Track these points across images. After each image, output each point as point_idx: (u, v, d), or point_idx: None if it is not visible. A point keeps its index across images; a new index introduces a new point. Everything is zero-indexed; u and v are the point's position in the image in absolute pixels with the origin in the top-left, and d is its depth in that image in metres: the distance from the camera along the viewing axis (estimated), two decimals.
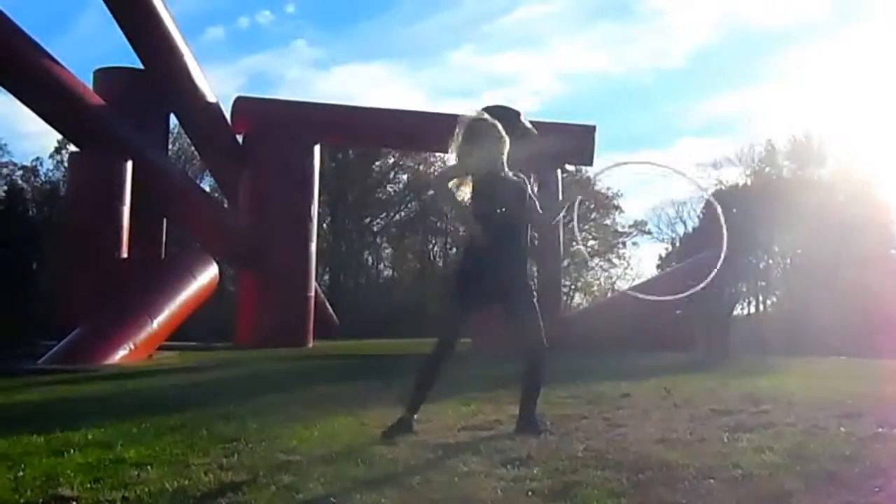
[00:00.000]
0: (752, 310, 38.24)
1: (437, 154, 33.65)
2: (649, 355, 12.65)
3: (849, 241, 29.21)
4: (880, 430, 4.88)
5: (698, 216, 38.23)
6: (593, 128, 18.20)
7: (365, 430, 5.05)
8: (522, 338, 4.98)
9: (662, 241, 41.18)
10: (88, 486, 3.55)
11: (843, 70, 52.48)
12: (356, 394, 7.10)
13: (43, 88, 13.98)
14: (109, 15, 15.17)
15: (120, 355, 11.39)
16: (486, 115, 5.08)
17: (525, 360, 5.00)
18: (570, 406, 6.14)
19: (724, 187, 37.66)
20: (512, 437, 4.69)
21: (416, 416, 4.88)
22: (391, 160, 38.58)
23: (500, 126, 5.04)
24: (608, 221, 41.77)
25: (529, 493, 3.41)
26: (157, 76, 16.23)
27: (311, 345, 16.94)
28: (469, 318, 5.13)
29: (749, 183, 37.61)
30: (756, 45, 57.81)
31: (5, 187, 34.83)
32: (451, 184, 5.00)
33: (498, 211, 4.89)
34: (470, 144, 4.94)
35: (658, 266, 38.53)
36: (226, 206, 20.55)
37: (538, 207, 5.13)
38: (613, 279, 41.98)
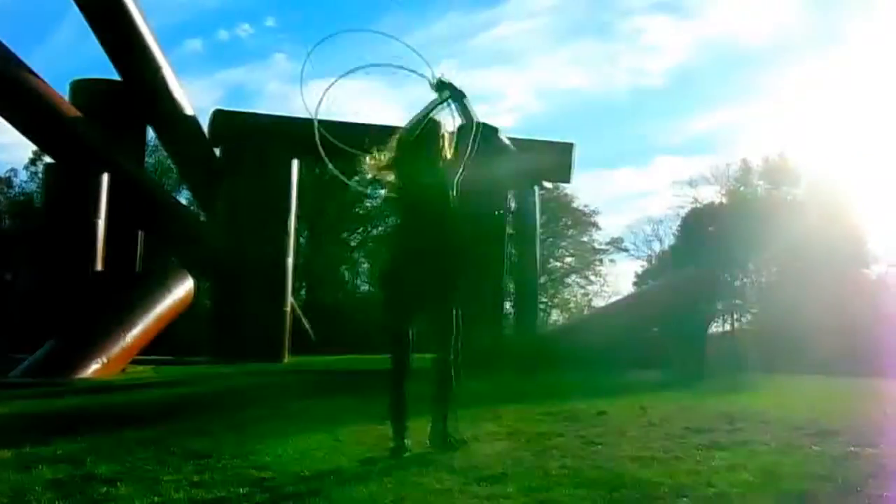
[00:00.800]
0: (728, 327, 38.43)
1: None
2: (625, 373, 12.68)
3: (823, 259, 29.50)
4: (853, 448, 4.92)
5: (674, 234, 38.54)
6: (571, 145, 18.31)
7: (339, 446, 5.02)
8: (435, 347, 4.99)
9: (639, 258, 41.45)
10: (57, 502, 3.50)
11: (819, 90, 53.17)
12: (331, 410, 7.06)
13: (18, 99, 13.84)
14: (87, 26, 15.10)
15: (92, 369, 11.24)
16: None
17: (434, 370, 4.96)
18: (545, 423, 6.14)
19: (700, 205, 37.99)
20: (487, 454, 4.68)
21: (406, 441, 4.82)
22: (370, 175, 38.49)
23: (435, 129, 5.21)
24: (585, 238, 41.93)
25: None
26: (135, 88, 16.14)
27: (286, 360, 16.84)
28: (408, 331, 5.04)
29: (724, 201, 37.95)
30: (733, 65, 58.50)
31: None
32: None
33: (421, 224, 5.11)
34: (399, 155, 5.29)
35: (634, 283, 38.69)
36: (202, 219, 20.42)
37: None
38: (590, 296, 42.13)
